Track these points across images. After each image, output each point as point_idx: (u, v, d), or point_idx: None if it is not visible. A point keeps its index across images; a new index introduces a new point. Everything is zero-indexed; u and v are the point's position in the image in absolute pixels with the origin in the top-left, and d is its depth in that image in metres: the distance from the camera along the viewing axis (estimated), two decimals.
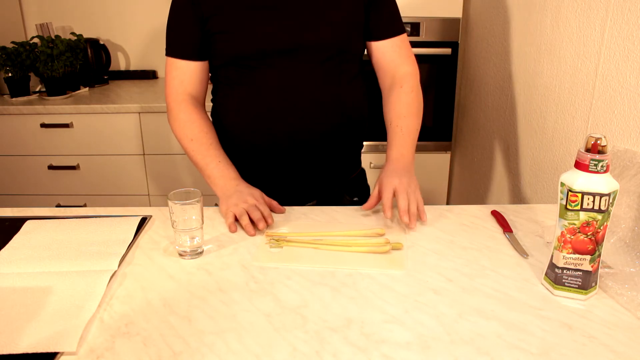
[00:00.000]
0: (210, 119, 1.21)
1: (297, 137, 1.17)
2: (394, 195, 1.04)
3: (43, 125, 2.12)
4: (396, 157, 1.12)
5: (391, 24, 1.19)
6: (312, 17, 1.11)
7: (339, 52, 1.15)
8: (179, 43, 1.16)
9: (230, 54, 1.13)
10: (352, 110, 1.21)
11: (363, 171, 1.37)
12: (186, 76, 1.17)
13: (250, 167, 1.22)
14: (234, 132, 1.20)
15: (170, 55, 1.17)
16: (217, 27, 1.11)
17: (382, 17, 1.18)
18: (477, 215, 1.11)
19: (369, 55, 1.23)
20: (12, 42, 2.22)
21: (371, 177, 1.37)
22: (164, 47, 1.19)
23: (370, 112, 1.28)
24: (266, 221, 1.04)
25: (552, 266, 0.83)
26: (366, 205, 1.10)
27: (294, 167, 1.21)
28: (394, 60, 1.20)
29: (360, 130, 1.27)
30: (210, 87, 1.25)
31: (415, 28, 2.09)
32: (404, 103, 1.18)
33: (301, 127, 1.16)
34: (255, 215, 1.03)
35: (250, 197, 1.07)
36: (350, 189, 1.30)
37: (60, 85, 2.23)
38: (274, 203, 1.12)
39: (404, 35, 1.21)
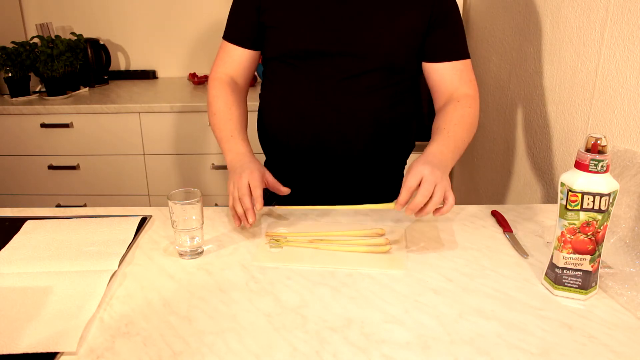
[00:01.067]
0: (243, 99, 1.21)
1: (331, 145, 1.15)
2: (419, 185, 0.90)
3: (43, 125, 2.12)
4: (434, 152, 0.99)
5: (454, 47, 1.13)
6: (365, 26, 1.08)
7: (387, 65, 1.11)
8: (233, 28, 1.19)
9: (278, 50, 1.14)
10: (394, 129, 1.17)
11: None
12: (231, 59, 1.19)
13: (286, 166, 1.22)
14: (271, 129, 1.21)
15: (224, 37, 1.20)
16: (270, 21, 1.12)
17: (445, 38, 1.12)
18: (477, 215, 1.11)
19: (427, 77, 1.17)
20: (12, 42, 2.22)
21: None
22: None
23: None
24: (247, 218, 0.97)
25: (552, 266, 0.83)
26: (398, 202, 0.93)
27: (327, 174, 1.19)
28: (453, 83, 1.13)
29: (403, 149, 1.24)
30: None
31: None
32: (458, 113, 1.08)
33: (336, 136, 1.14)
34: (239, 210, 0.98)
35: (246, 177, 0.98)
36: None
37: (60, 85, 2.23)
38: (277, 185, 1.06)
39: (468, 61, 1.14)
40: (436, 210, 0.92)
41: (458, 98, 1.12)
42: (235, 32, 1.18)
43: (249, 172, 0.99)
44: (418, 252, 0.96)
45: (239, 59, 1.19)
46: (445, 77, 1.14)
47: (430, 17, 1.10)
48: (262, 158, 1.32)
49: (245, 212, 0.97)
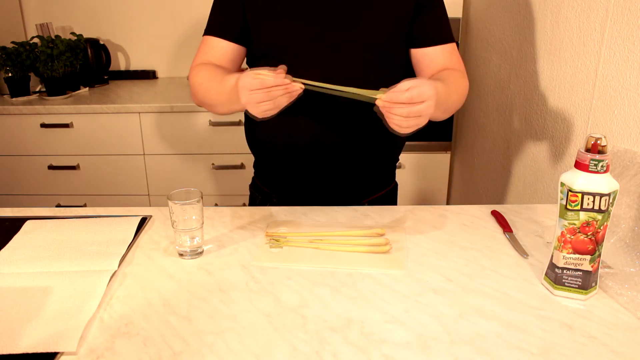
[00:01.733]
0: (226, 69, 1.14)
1: (324, 145, 1.13)
2: (406, 99, 0.85)
3: (43, 125, 2.12)
4: (437, 87, 0.92)
5: (442, 31, 1.14)
6: (354, 17, 1.07)
7: (378, 55, 1.10)
8: (215, 23, 1.15)
9: (265, 47, 1.11)
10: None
11: (396, 186, 1.32)
12: (213, 51, 1.14)
13: (278, 168, 1.20)
14: (262, 132, 1.18)
15: (204, 34, 1.16)
16: (256, 18, 1.10)
17: (432, 23, 1.12)
18: (477, 215, 1.11)
19: (416, 63, 1.16)
20: (12, 42, 2.22)
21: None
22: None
23: None
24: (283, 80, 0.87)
25: (552, 266, 0.83)
26: (387, 94, 0.87)
27: (321, 174, 1.18)
28: (444, 64, 1.13)
29: (396, 146, 1.23)
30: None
31: None
32: (454, 77, 1.09)
33: (330, 134, 1.12)
34: (276, 91, 0.87)
35: (250, 84, 0.89)
36: (379, 204, 1.24)
37: (60, 85, 2.23)
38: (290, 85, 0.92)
39: (454, 44, 1.15)
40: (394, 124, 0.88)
41: (451, 69, 1.13)
42: (217, 26, 1.14)
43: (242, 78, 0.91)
44: (418, 252, 0.96)
45: (222, 51, 1.14)
46: (436, 60, 1.14)
47: (416, 3, 1.10)
48: (251, 158, 1.30)
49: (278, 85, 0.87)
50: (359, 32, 1.08)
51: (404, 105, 0.86)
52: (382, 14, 1.09)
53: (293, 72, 1.09)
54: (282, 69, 0.89)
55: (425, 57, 1.14)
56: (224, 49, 1.14)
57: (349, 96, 0.92)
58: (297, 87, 0.88)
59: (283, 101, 0.89)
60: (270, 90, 0.87)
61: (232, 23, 1.13)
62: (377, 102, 0.88)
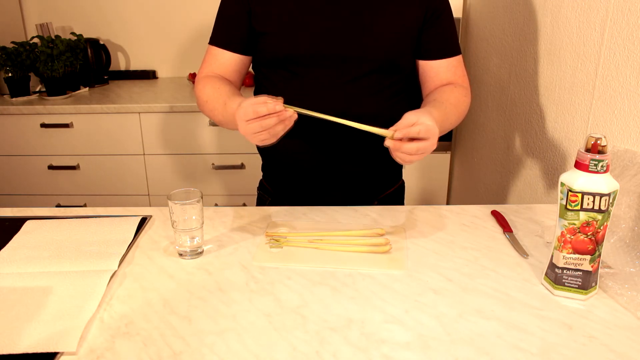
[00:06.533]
0: (230, 83, 1.15)
1: (332, 149, 1.14)
2: (415, 134, 0.88)
3: (43, 125, 2.12)
4: (437, 118, 0.95)
5: (449, 44, 1.15)
6: (361, 26, 1.07)
7: (386, 65, 1.10)
8: (220, 32, 1.15)
9: (273, 56, 1.11)
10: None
11: (403, 184, 1.33)
12: (218, 62, 1.15)
13: (285, 174, 1.21)
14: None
15: (210, 42, 1.16)
16: (263, 26, 1.10)
17: (440, 36, 1.13)
18: (477, 215, 1.11)
19: (421, 73, 1.18)
20: (12, 42, 2.22)
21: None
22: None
23: None
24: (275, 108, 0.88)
25: (552, 266, 0.83)
26: (396, 135, 0.90)
27: (329, 179, 1.18)
28: (448, 79, 1.15)
29: None
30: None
31: None
32: (456, 96, 1.11)
33: (337, 142, 1.13)
34: (270, 120, 0.89)
35: (245, 114, 0.90)
36: (386, 203, 1.25)
37: (60, 85, 2.23)
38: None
39: (460, 57, 1.17)
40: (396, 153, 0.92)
41: (455, 85, 1.15)
42: (223, 37, 1.15)
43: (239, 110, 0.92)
44: (418, 252, 0.96)
45: (227, 62, 1.15)
46: (441, 74, 1.15)
47: (425, 14, 1.10)
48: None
49: (271, 113, 0.88)
50: (367, 42, 1.08)
51: (412, 142, 0.89)
52: (392, 24, 1.09)
53: (302, 82, 1.09)
54: (279, 99, 0.90)
55: (431, 69, 1.15)
56: (228, 60, 1.15)
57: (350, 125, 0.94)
58: (289, 114, 0.89)
59: (278, 130, 0.90)
60: (264, 119, 0.88)
61: (237, 33, 1.13)
62: (387, 143, 0.91)
